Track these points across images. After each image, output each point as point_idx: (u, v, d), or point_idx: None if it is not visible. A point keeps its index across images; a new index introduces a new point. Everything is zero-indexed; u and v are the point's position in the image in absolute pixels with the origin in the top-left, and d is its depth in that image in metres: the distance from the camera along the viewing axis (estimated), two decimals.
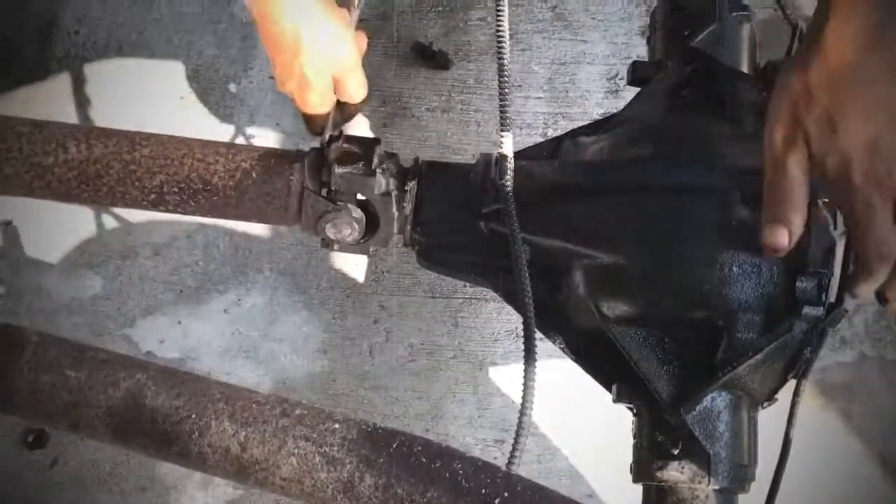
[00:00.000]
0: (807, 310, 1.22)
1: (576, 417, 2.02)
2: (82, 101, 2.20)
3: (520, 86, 2.19)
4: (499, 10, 1.29)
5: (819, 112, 1.11)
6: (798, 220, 1.15)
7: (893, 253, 1.12)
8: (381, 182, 1.38)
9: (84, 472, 2.10)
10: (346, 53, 1.37)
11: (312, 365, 2.13)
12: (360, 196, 1.38)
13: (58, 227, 2.15)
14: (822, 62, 1.11)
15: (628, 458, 1.36)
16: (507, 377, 2.10)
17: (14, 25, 2.26)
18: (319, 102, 1.38)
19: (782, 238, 1.15)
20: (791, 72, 1.15)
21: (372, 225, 1.40)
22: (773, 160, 1.16)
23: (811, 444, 1.91)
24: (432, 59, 2.22)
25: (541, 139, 2.10)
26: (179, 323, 2.15)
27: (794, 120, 1.14)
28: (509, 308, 2.03)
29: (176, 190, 1.39)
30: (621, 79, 2.19)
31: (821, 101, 1.10)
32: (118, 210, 2.12)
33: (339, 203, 1.37)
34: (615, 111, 1.48)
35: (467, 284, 2.09)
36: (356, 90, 1.41)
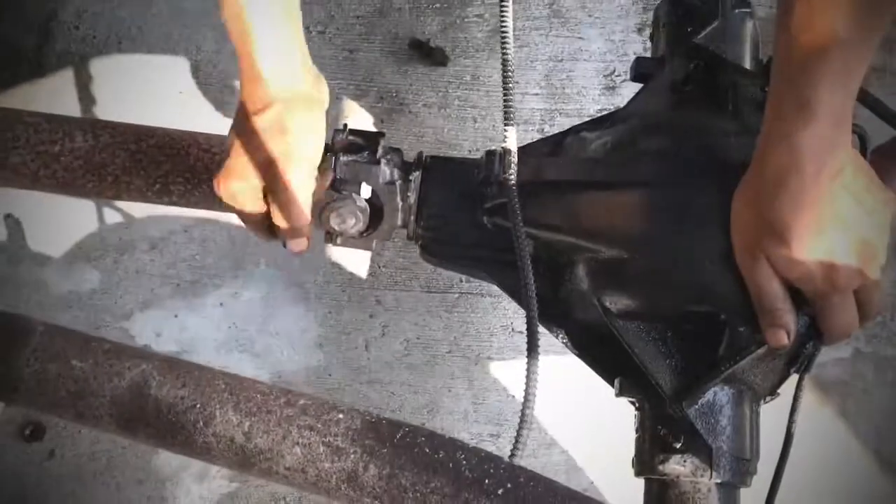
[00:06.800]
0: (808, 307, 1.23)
1: (573, 411, 2.03)
2: (82, 96, 2.21)
3: (517, 82, 2.19)
4: (503, 5, 1.29)
5: (774, 234, 1.14)
6: (790, 319, 1.20)
7: (854, 329, 1.23)
8: (386, 171, 1.38)
9: (81, 464, 2.10)
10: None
11: (308, 359, 2.13)
12: (364, 188, 1.38)
13: (57, 221, 2.15)
14: (766, 184, 1.13)
15: (626, 451, 1.37)
16: (502, 372, 2.11)
17: (14, 21, 2.27)
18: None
19: (782, 337, 1.20)
20: (742, 194, 1.19)
21: (375, 217, 1.40)
22: (747, 280, 1.20)
23: (807, 439, 1.92)
24: (429, 55, 2.23)
25: (538, 135, 2.11)
26: (176, 316, 2.16)
27: (754, 243, 1.17)
28: (505, 303, 2.04)
29: (181, 179, 1.39)
30: (618, 75, 2.19)
31: (773, 222, 1.13)
32: (117, 204, 2.13)
33: (343, 193, 1.37)
34: (612, 108, 1.48)
35: (463, 279, 2.10)
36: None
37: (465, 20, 2.25)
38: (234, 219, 2.10)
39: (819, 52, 1.03)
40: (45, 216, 2.16)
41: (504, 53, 1.29)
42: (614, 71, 2.20)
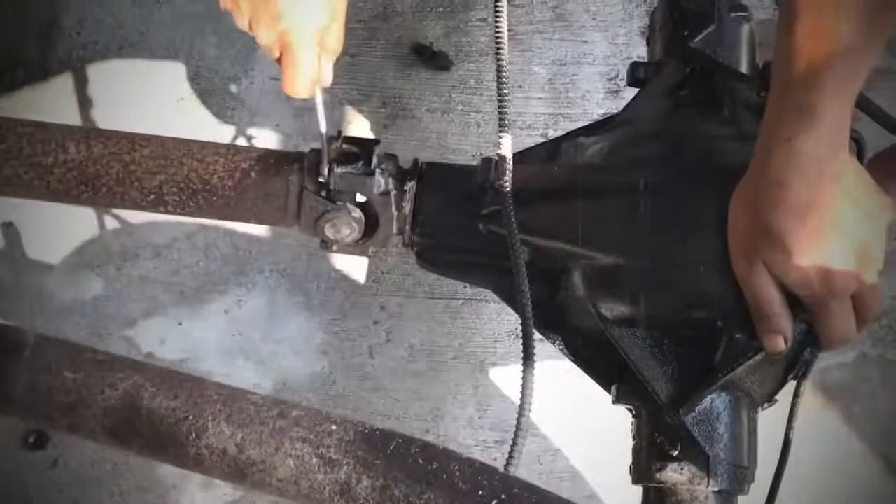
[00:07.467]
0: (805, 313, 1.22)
1: (576, 418, 2.02)
2: (83, 102, 2.20)
3: (520, 86, 2.19)
4: (497, 11, 1.28)
5: (771, 239, 1.13)
6: (787, 324, 1.19)
7: (852, 334, 1.22)
8: (381, 181, 1.37)
9: (84, 472, 2.10)
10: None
11: (313, 366, 2.13)
12: (359, 196, 1.37)
13: (58, 229, 2.15)
14: (765, 189, 1.12)
15: (628, 459, 1.36)
16: (507, 378, 2.10)
17: (15, 26, 2.27)
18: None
19: (779, 343, 1.20)
20: (739, 200, 1.18)
21: (371, 226, 1.40)
22: (744, 286, 1.20)
23: (812, 444, 1.91)
24: (433, 59, 2.22)
25: (541, 140, 2.10)
26: (180, 324, 2.15)
27: (751, 248, 1.16)
28: (509, 309, 2.03)
29: (175, 190, 1.39)
30: (622, 79, 2.19)
31: (771, 228, 1.12)
32: (119, 211, 2.13)
33: (338, 203, 1.36)
34: (615, 111, 1.48)
35: (467, 285, 2.09)
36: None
37: (469, 24, 2.24)
38: (237, 226, 2.11)
39: (824, 58, 1.02)
40: (46, 224, 2.15)
41: (499, 59, 1.28)
42: (618, 75, 2.20)
